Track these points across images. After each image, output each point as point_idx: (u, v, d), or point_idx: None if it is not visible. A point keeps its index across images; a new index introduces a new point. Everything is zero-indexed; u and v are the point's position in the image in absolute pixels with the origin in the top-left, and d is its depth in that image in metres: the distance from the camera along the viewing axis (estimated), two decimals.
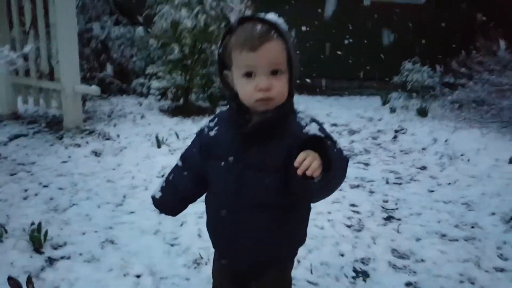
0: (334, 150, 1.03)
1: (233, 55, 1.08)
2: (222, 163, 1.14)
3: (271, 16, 1.08)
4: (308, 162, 0.92)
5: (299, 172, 0.93)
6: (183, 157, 1.29)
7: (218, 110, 5.35)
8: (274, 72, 1.06)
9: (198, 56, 5.02)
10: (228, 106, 1.21)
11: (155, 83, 5.52)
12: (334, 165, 0.95)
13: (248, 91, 1.07)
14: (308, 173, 0.92)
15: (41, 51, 4.23)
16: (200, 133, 1.26)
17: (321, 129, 1.11)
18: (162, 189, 1.30)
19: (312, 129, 1.09)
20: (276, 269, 1.25)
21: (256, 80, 1.05)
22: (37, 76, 4.30)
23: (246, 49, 1.04)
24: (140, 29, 6.22)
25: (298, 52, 1.12)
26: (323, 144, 0.95)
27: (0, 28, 4.14)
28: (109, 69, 5.33)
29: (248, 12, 5.15)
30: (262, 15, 1.09)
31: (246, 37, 1.04)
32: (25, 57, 4.05)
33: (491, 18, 4.85)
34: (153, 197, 1.32)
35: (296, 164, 0.93)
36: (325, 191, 1.09)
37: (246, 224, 1.16)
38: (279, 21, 1.08)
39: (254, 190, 1.12)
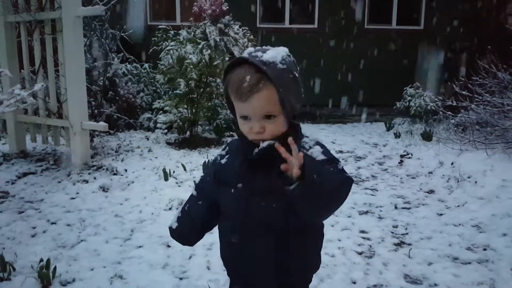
0: (326, 167, 1.05)
1: (231, 97, 1.15)
2: (232, 190, 1.18)
3: (267, 57, 1.09)
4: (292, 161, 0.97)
5: (282, 167, 0.98)
6: (197, 186, 1.31)
7: (223, 141, 5.42)
8: (267, 117, 1.11)
9: (204, 89, 5.14)
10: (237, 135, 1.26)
11: (162, 117, 5.63)
12: (309, 175, 0.95)
13: (244, 130, 1.15)
14: (283, 167, 0.97)
15: (50, 90, 4.33)
16: (213, 162, 1.30)
17: (325, 151, 1.13)
18: (179, 219, 1.32)
19: (316, 151, 1.11)
20: None
21: (250, 123, 1.12)
22: (45, 114, 4.39)
23: (237, 99, 1.11)
24: (146, 66, 6.40)
25: (301, 86, 1.15)
26: (306, 156, 0.99)
27: (11, 68, 4.26)
28: (113, 107, 5.45)
29: (251, 46, 5.29)
30: (258, 55, 1.10)
31: (237, 87, 1.10)
32: (34, 96, 4.15)
33: (487, 41, 4.94)
34: (170, 228, 1.33)
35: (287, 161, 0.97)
36: (311, 204, 1.03)
37: (257, 250, 1.16)
38: (272, 64, 1.09)
39: (263, 215, 1.14)
